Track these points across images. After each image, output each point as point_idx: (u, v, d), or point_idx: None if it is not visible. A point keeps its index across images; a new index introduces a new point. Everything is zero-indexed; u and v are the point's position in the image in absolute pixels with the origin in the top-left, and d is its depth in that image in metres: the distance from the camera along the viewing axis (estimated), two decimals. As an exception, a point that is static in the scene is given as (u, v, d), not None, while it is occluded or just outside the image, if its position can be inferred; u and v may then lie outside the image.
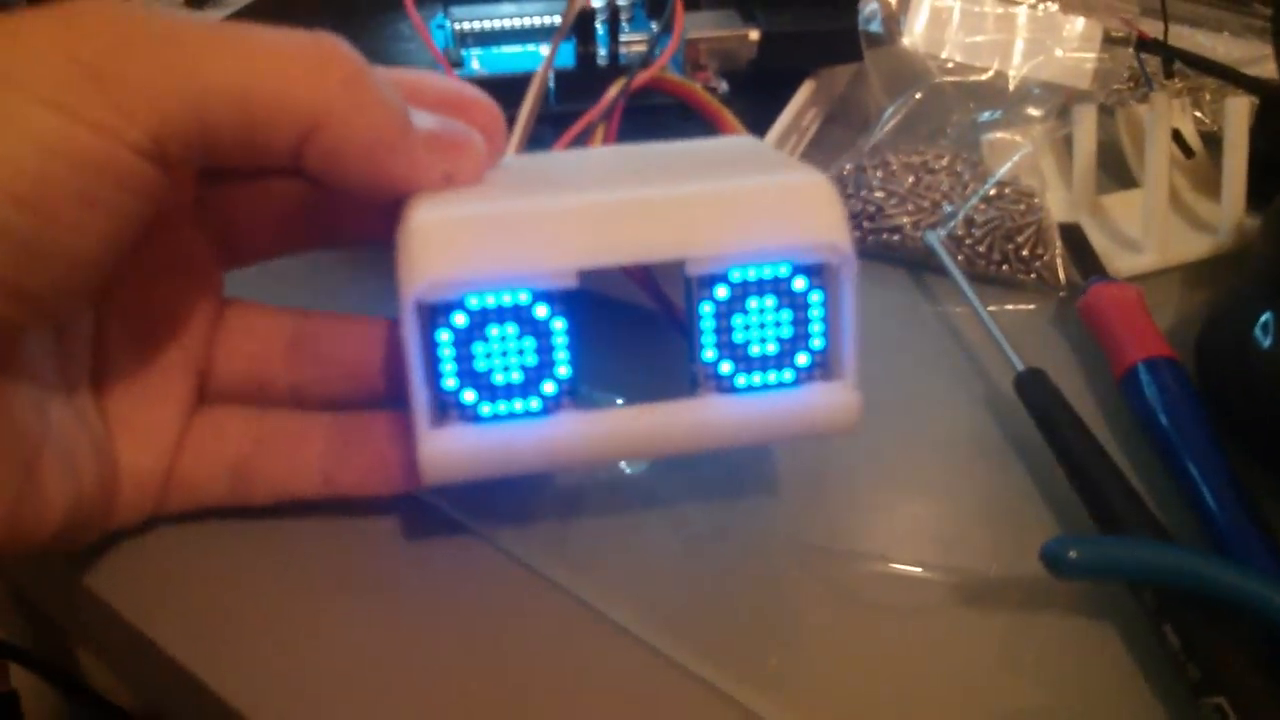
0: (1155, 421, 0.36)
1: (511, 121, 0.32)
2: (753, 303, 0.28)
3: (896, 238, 0.44)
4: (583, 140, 0.35)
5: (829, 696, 0.29)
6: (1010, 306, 0.43)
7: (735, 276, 0.27)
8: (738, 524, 0.33)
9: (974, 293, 0.40)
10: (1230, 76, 0.51)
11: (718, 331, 0.28)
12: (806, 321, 0.28)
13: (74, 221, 0.23)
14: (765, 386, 0.28)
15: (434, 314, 0.26)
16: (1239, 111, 0.44)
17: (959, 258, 0.43)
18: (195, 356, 0.31)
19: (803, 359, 0.28)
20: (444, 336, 0.26)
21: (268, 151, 0.25)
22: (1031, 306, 0.43)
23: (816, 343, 0.28)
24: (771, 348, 0.28)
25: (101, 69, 0.22)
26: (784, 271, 0.27)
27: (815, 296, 0.28)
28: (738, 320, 0.28)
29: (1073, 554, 0.29)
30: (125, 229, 0.24)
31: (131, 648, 0.30)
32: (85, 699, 0.49)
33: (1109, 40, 0.51)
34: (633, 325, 0.34)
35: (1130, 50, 0.51)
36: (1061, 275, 0.44)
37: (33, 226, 0.22)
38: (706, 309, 0.27)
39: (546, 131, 0.39)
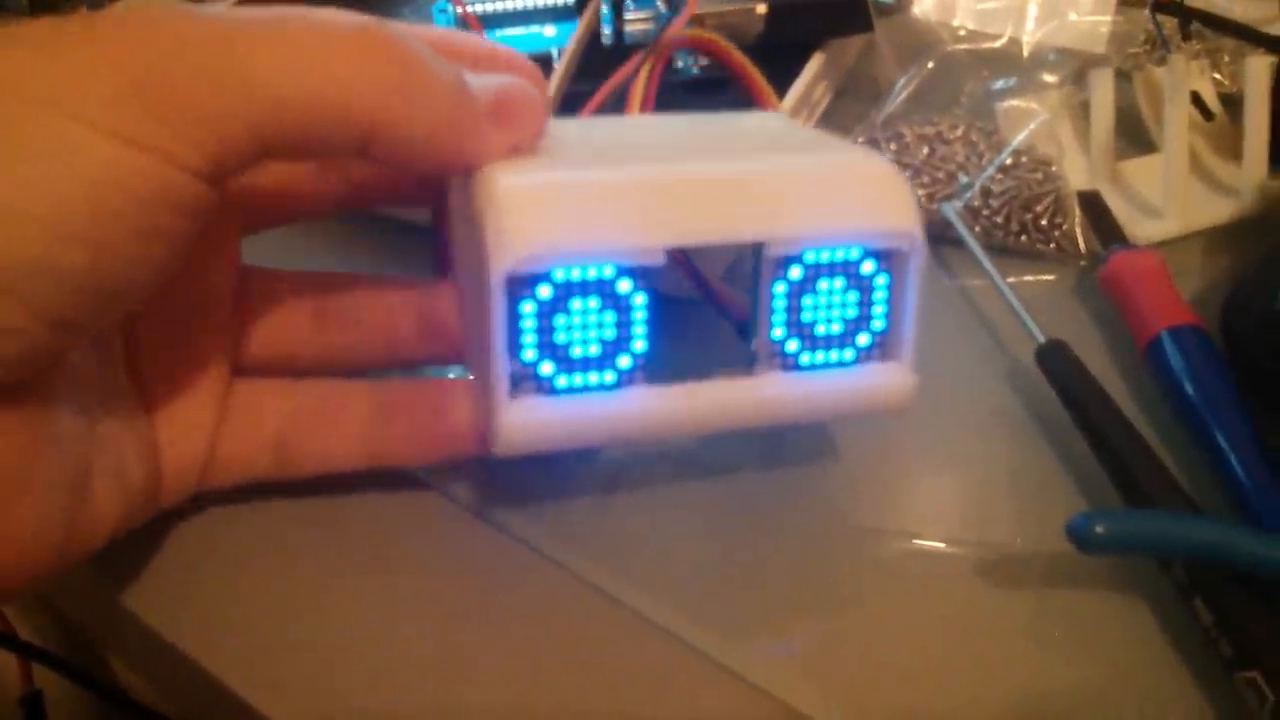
0: (1181, 391, 0.35)
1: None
2: (823, 284, 0.28)
3: (912, 211, 0.44)
4: (611, 107, 0.35)
5: (856, 673, 0.29)
6: (1030, 277, 0.43)
7: (809, 258, 0.27)
8: (761, 503, 0.33)
9: (992, 264, 0.39)
10: (1249, 36, 0.50)
11: (788, 310, 0.28)
12: (871, 304, 0.29)
13: (133, 253, 0.22)
14: (826, 365, 0.29)
15: (520, 286, 0.26)
16: (1259, 72, 0.44)
17: (976, 229, 0.43)
18: (224, 331, 0.31)
19: (864, 339, 0.29)
20: (528, 308, 0.26)
21: (330, 153, 0.24)
22: (1051, 277, 0.43)
23: (878, 324, 0.29)
24: (836, 328, 0.29)
25: (153, 88, 0.21)
26: (855, 254, 0.28)
27: (881, 280, 0.28)
28: (807, 300, 0.28)
29: (1099, 529, 0.28)
30: (180, 251, 0.23)
31: (152, 649, 0.30)
32: (112, 698, 0.49)
33: (1124, 2, 0.50)
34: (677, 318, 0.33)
35: (1146, 12, 0.50)
36: (1081, 244, 0.43)
37: (89, 264, 0.21)
38: (780, 289, 0.28)
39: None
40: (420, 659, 0.29)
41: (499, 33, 0.45)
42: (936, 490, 0.35)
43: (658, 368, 0.28)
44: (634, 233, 0.26)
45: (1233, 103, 0.49)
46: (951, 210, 0.42)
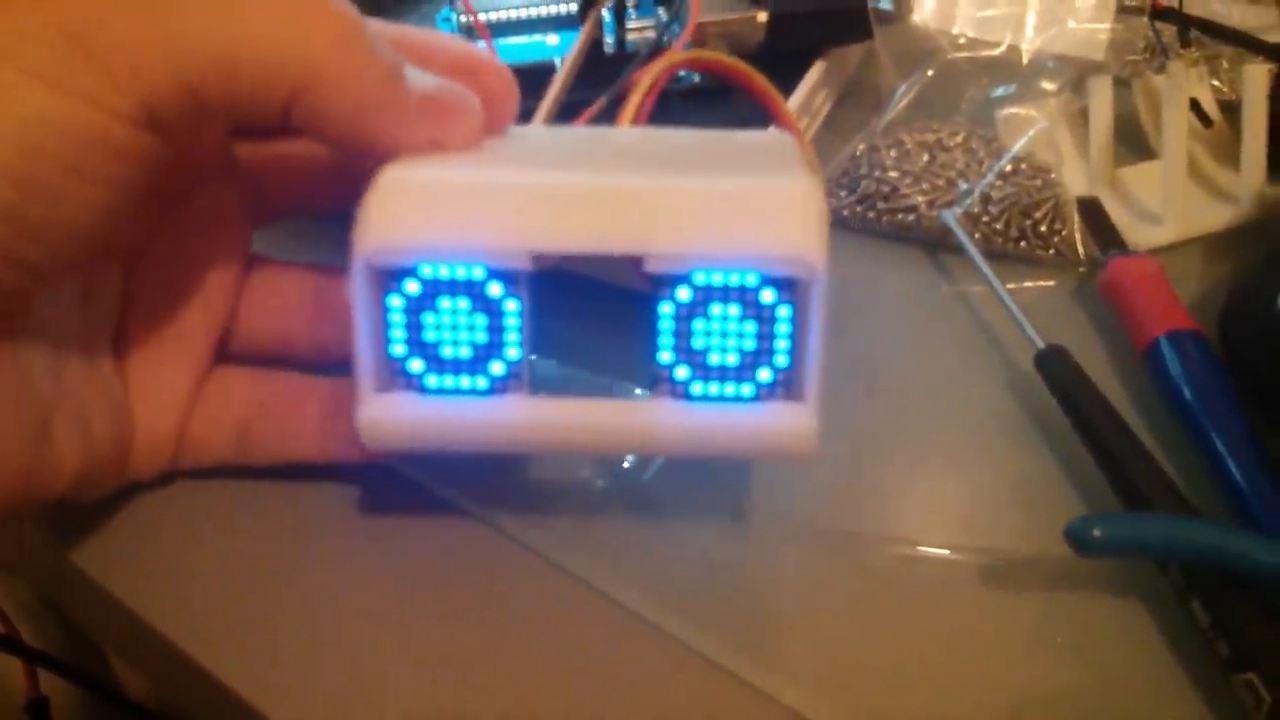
0: (1179, 395, 0.35)
1: (527, 113, 0.32)
2: (716, 309, 0.26)
3: (912, 217, 0.44)
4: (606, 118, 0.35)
5: (856, 680, 0.29)
6: (1029, 284, 0.43)
7: (699, 279, 0.26)
8: (761, 509, 0.33)
9: (992, 271, 0.39)
10: (1248, 43, 0.50)
11: (677, 335, 0.26)
12: (772, 336, 0.26)
13: (65, 193, 0.23)
14: (722, 398, 0.27)
15: (388, 279, 0.26)
16: (1257, 79, 0.44)
17: (976, 236, 0.43)
18: (218, 316, 0.32)
19: (765, 375, 0.27)
20: (395, 302, 0.26)
21: (258, 111, 0.25)
22: (1051, 283, 0.43)
23: (781, 359, 0.27)
24: (732, 359, 0.27)
25: (87, 37, 0.22)
26: (752, 281, 0.26)
27: (784, 311, 0.26)
28: (698, 325, 0.26)
29: (1097, 532, 0.28)
30: (124, 196, 0.24)
31: (148, 645, 0.30)
32: (116, 703, 0.49)
33: (1123, 10, 0.50)
34: (612, 305, 0.33)
35: (1145, 20, 0.50)
36: (1080, 250, 0.43)
37: (22, 200, 0.22)
38: (666, 309, 0.26)
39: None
40: (411, 654, 0.29)
41: (501, 41, 0.45)
42: (937, 496, 0.35)
43: (591, 360, 0.27)
44: (498, 234, 0.25)
45: (1231, 109, 0.49)
46: (951, 217, 0.42)
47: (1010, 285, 0.39)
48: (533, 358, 0.27)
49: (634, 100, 0.33)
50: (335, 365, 0.32)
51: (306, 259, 0.34)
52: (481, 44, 0.45)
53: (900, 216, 0.44)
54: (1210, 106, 0.49)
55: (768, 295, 0.26)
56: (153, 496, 0.32)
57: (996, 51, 0.49)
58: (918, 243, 0.45)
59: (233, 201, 0.32)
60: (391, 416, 0.27)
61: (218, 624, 0.30)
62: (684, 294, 0.26)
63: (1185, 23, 0.52)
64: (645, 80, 0.34)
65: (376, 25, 0.26)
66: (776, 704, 0.28)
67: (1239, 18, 0.56)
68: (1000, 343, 0.40)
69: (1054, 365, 0.36)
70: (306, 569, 0.31)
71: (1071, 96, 0.48)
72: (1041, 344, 0.36)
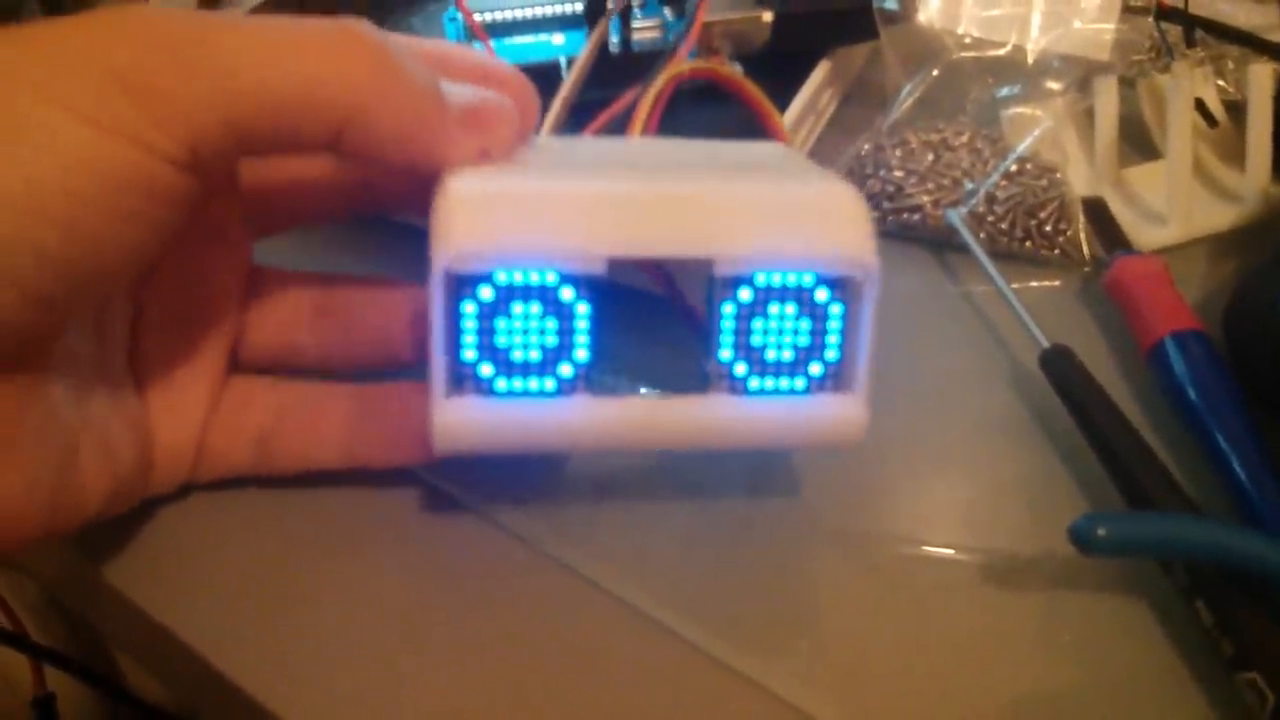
0: (1184, 395, 0.35)
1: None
2: (774, 308, 0.28)
3: (917, 217, 0.44)
4: (614, 128, 0.35)
5: (862, 680, 0.29)
6: (1034, 283, 0.43)
7: (760, 280, 0.27)
8: (766, 508, 0.33)
9: (997, 270, 0.39)
10: (1253, 43, 0.50)
11: (736, 333, 0.28)
12: (824, 332, 0.28)
13: (107, 236, 0.23)
14: (777, 391, 0.28)
15: (461, 285, 0.26)
16: (1262, 79, 0.44)
17: (981, 235, 0.43)
18: (228, 328, 0.32)
19: (816, 368, 0.28)
20: (469, 308, 0.26)
21: (303, 146, 0.25)
22: (1056, 283, 0.43)
23: (831, 354, 0.28)
24: (787, 354, 0.28)
25: (134, 79, 0.22)
26: (808, 281, 0.27)
27: (835, 309, 0.28)
28: (757, 324, 0.28)
29: (1101, 531, 0.28)
30: (159, 237, 0.24)
31: (158, 645, 0.30)
32: (123, 700, 0.49)
33: (1128, 10, 0.50)
34: (648, 311, 0.33)
35: (1150, 20, 0.50)
36: (1085, 250, 0.43)
37: (65, 243, 0.22)
38: (728, 309, 0.27)
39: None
40: (427, 658, 0.29)
41: (507, 40, 0.45)
42: (941, 495, 0.35)
43: (621, 365, 0.27)
44: (574, 240, 0.26)
45: (1236, 109, 0.49)
46: (956, 216, 0.42)
47: (1015, 285, 0.39)
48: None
49: (643, 111, 0.34)
50: (341, 372, 0.33)
51: (302, 266, 0.34)
52: (479, 45, 0.45)
53: (905, 216, 0.44)
54: (1215, 106, 0.49)
55: (822, 294, 0.28)
56: (168, 502, 0.32)
57: (1002, 51, 0.49)
58: (923, 242, 0.45)
59: (234, 214, 0.32)
60: (463, 420, 0.27)
61: (232, 628, 0.30)
62: (745, 294, 0.27)
63: (1190, 22, 0.52)
64: (651, 94, 0.35)
65: (401, 40, 0.26)
66: (781, 702, 0.28)
67: (1244, 18, 0.56)
68: (1005, 342, 0.40)
69: (1059, 365, 0.36)
70: (321, 573, 0.31)
71: (1077, 96, 0.48)
72: (1046, 344, 0.36)
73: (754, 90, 0.37)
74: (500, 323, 0.27)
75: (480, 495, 0.33)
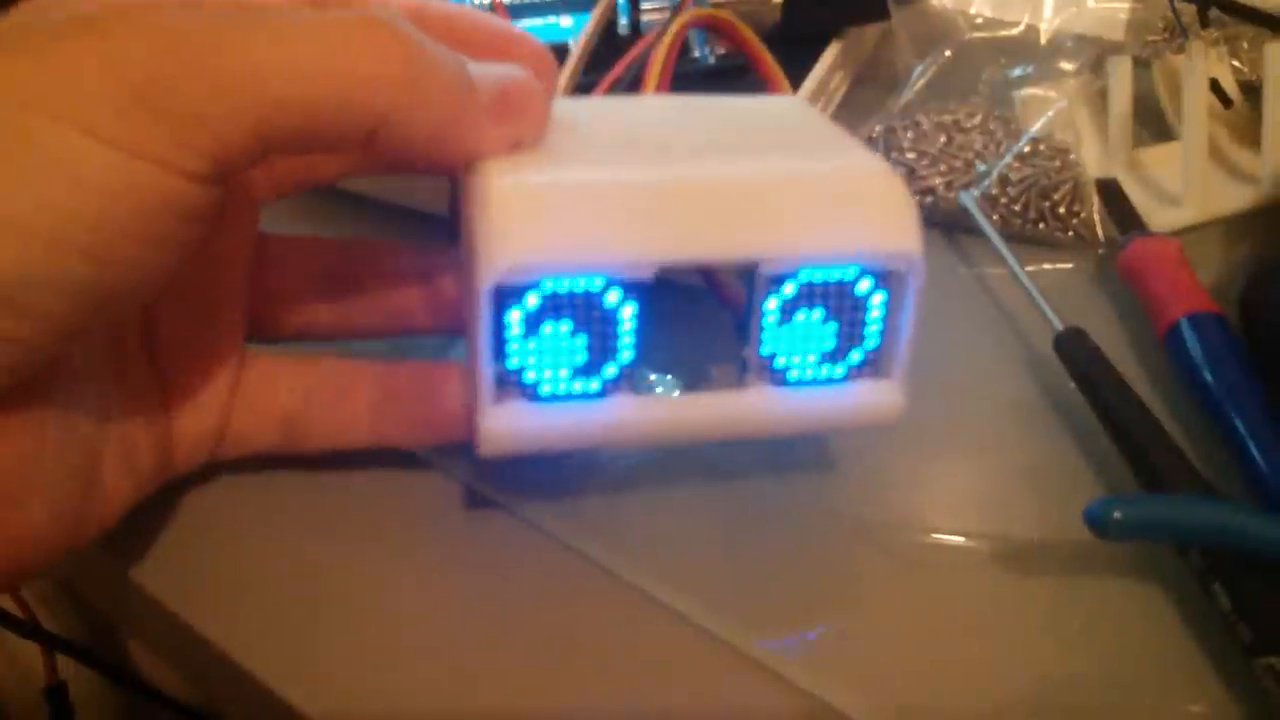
0: (1199, 378, 0.35)
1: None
2: (818, 301, 0.27)
3: (930, 199, 0.44)
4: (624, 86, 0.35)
5: (877, 666, 0.29)
6: (1048, 265, 0.43)
7: (804, 276, 0.27)
8: (779, 496, 0.33)
9: (1011, 253, 0.39)
10: (1268, 23, 0.49)
11: (779, 326, 0.27)
12: (865, 322, 0.28)
13: (136, 261, 0.22)
14: (815, 381, 0.28)
15: (507, 295, 0.25)
16: (1278, 59, 0.43)
17: (994, 217, 0.43)
18: (240, 302, 0.31)
19: (855, 356, 0.28)
20: (514, 316, 0.26)
21: (334, 148, 0.24)
22: (1069, 265, 0.43)
23: (871, 342, 0.28)
24: (828, 344, 0.28)
25: (155, 97, 0.21)
26: (851, 274, 0.27)
27: (878, 298, 0.27)
28: (800, 316, 0.27)
29: (1117, 515, 0.28)
30: (186, 254, 0.23)
31: (174, 635, 0.30)
32: (134, 689, 0.49)
33: (1142, -11, 0.49)
34: (684, 298, 0.33)
35: (1164, -1, 0.50)
36: (1100, 232, 0.43)
37: (93, 273, 0.21)
38: (772, 304, 0.27)
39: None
40: (440, 642, 0.29)
41: (516, 23, 0.45)
42: (955, 481, 0.35)
43: (668, 365, 0.27)
44: (626, 249, 0.25)
45: (1252, 90, 0.49)
46: (969, 198, 0.42)
47: (1029, 267, 0.39)
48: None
49: (657, 63, 0.34)
50: (356, 342, 0.33)
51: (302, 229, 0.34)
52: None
53: (918, 198, 0.44)
54: (1230, 87, 0.49)
55: (864, 285, 0.27)
56: (187, 489, 0.32)
57: (1015, 31, 0.48)
58: (936, 225, 0.44)
59: (240, 188, 0.31)
60: (509, 425, 0.27)
61: (249, 619, 0.30)
62: (789, 289, 0.27)
63: (1205, 2, 0.51)
64: (665, 42, 0.34)
65: (417, 8, 0.25)
66: (793, 688, 0.28)
67: (1260, -4, 0.55)
68: (1019, 325, 0.40)
69: (1073, 347, 0.35)
70: (342, 565, 0.31)
71: (1090, 77, 0.48)
72: (1060, 326, 0.36)
73: (753, 38, 0.36)
74: (546, 329, 0.26)
75: (505, 489, 0.33)
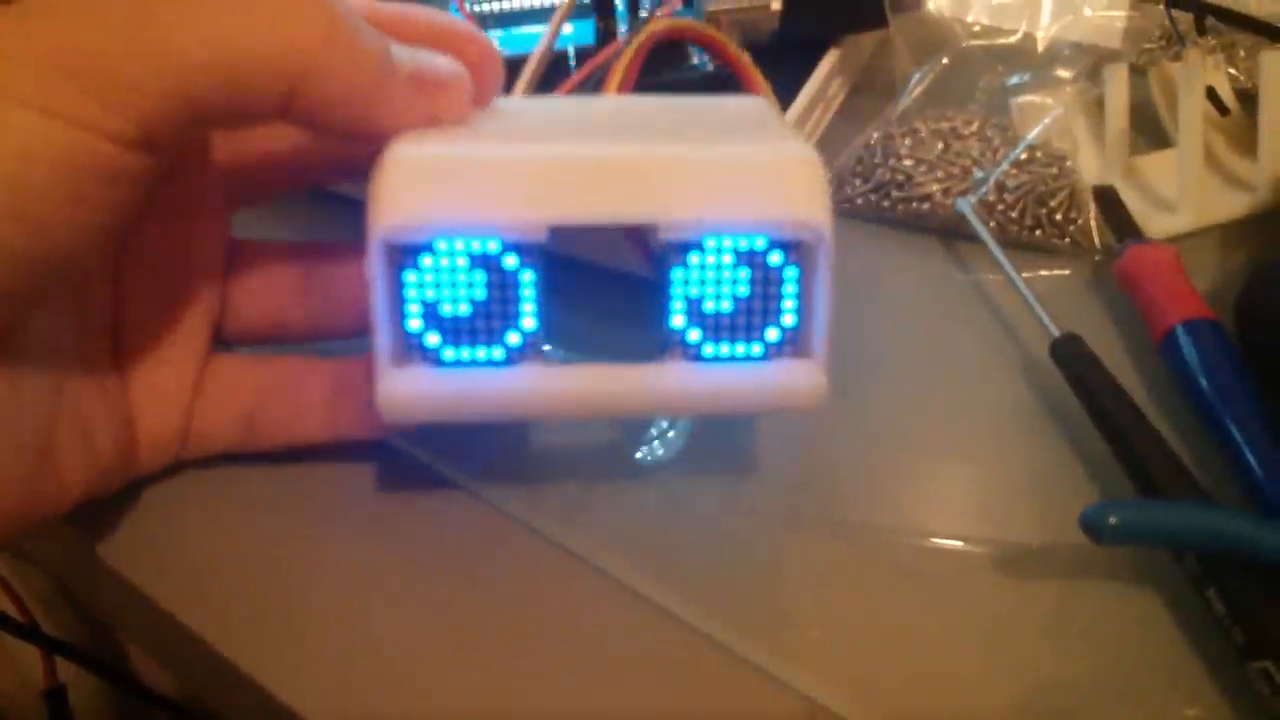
0: (1195, 384, 0.35)
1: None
2: (726, 273, 0.27)
3: (927, 206, 0.44)
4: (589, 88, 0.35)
5: (872, 669, 0.29)
6: (1044, 272, 0.43)
7: (710, 245, 0.27)
8: (776, 500, 0.33)
9: (1007, 259, 0.39)
10: (1265, 31, 0.49)
11: (688, 299, 0.27)
12: (779, 297, 0.27)
13: (62, 222, 0.22)
14: (732, 359, 0.28)
15: (403, 255, 0.26)
16: (1274, 66, 0.44)
17: (991, 224, 0.43)
18: (211, 307, 0.32)
19: (773, 334, 0.28)
20: (411, 278, 0.26)
21: (254, 113, 0.24)
22: (1066, 271, 0.43)
23: (788, 319, 0.28)
24: (742, 320, 0.27)
25: (77, 62, 0.22)
26: (760, 245, 0.27)
27: (790, 273, 0.27)
28: (709, 289, 0.27)
29: (1112, 519, 0.28)
30: (120, 217, 0.24)
31: (156, 626, 0.31)
32: (133, 691, 0.49)
33: (1139, -3, 0.50)
34: (615, 291, 0.33)
35: (1161, 7, 0.50)
36: (1096, 238, 0.43)
37: (18, 234, 0.22)
38: (678, 275, 0.27)
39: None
40: (416, 633, 0.29)
41: (515, 30, 0.45)
42: (952, 486, 0.35)
43: (581, 344, 0.27)
44: (517, 208, 0.25)
45: (1248, 98, 0.49)
46: (966, 205, 0.42)
47: (1025, 274, 0.39)
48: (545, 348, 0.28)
49: (619, 69, 0.34)
50: (334, 341, 0.33)
51: (284, 237, 0.34)
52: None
53: (915, 205, 0.44)
54: (1227, 95, 0.49)
55: (775, 258, 0.27)
56: (159, 480, 0.32)
57: (1012, 39, 0.49)
58: (932, 232, 0.45)
59: (211, 190, 0.31)
60: (410, 390, 0.27)
61: (227, 607, 0.30)
62: (695, 259, 0.27)
63: (1202, 10, 0.51)
64: (630, 50, 0.34)
65: (353, 3, 0.26)
66: (791, 690, 0.28)
67: (1256, 5, 0.55)
68: (1015, 331, 0.40)
69: (1069, 354, 0.36)
70: (312, 552, 0.31)
71: (1087, 84, 0.48)
72: (1057, 332, 0.36)
73: (725, 42, 0.36)
74: (444, 292, 0.26)
75: (476, 476, 0.33)
